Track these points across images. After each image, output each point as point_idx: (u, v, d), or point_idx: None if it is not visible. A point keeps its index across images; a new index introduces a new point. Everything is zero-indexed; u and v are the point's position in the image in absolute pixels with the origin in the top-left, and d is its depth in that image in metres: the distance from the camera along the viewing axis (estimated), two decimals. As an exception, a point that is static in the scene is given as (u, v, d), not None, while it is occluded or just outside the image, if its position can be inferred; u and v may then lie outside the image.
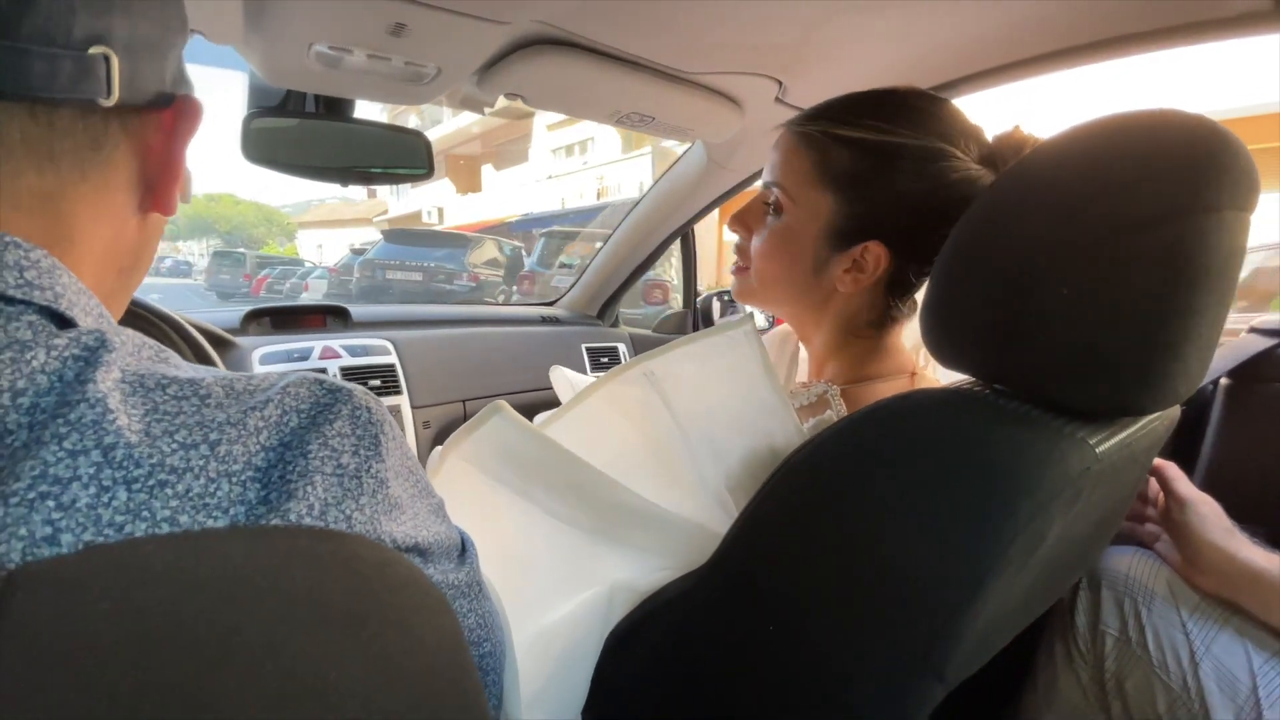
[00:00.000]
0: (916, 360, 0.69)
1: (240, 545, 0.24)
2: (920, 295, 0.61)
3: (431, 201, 22.60)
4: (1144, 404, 0.43)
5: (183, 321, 0.91)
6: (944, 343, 0.48)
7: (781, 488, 0.49)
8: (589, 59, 0.84)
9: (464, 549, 0.40)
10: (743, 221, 0.67)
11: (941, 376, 0.68)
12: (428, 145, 0.99)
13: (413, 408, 1.25)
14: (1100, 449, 0.42)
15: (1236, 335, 0.90)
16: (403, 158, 0.96)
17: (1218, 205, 0.39)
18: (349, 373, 1.19)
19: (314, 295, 11.34)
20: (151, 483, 0.25)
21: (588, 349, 1.62)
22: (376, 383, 1.22)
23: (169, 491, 0.25)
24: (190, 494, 0.25)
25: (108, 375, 0.26)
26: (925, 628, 0.43)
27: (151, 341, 0.31)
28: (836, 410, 0.61)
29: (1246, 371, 0.83)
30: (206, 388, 0.28)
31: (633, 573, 0.57)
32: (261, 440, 0.28)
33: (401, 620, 0.26)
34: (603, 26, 0.78)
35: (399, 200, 25.64)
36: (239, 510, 0.26)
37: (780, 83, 0.96)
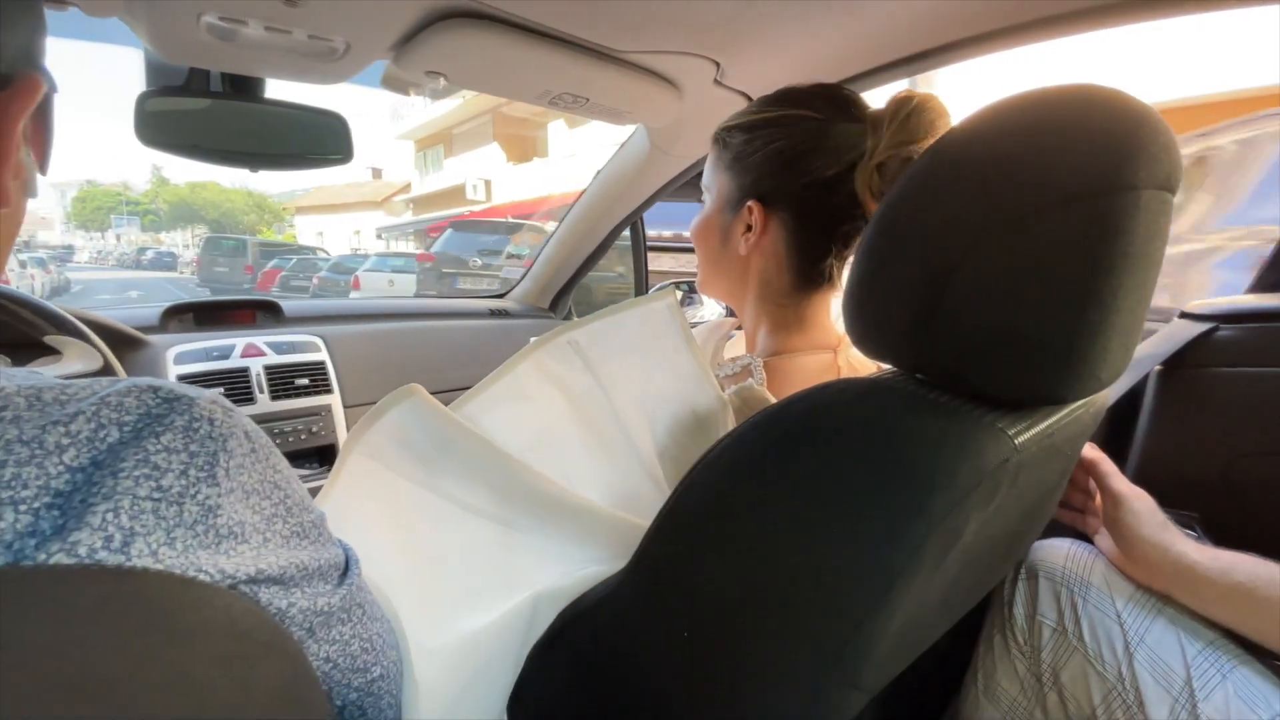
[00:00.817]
0: (842, 335, 0.72)
1: None
2: (844, 274, 0.65)
3: (476, 173, 17.92)
4: (1065, 391, 0.40)
5: (72, 319, 0.83)
6: (865, 332, 0.46)
7: (699, 482, 0.47)
8: (513, 35, 0.79)
9: (346, 568, 0.36)
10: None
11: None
12: (346, 127, 0.93)
13: (345, 407, 1.19)
14: (1020, 439, 0.40)
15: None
16: (319, 141, 0.90)
17: (1137, 183, 0.37)
18: (274, 371, 1.13)
19: (376, 292, 8.77)
20: None
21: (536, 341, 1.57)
22: (305, 381, 1.15)
23: None
24: None
25: None
26: (838, 630, 0.40)
27: None
28: (758, 379, 0.63)
29: (1178, 357, 0.83)
30: (5, 398, 0.24)
31: (555, 574, 0.54)
32: (65, 460, 0.24)
33: (197, 675, 0.22)
34: (522, -1, 0.74)
35: (428, 175, 21.34)
36: (27, 544, 0.22)
37: (718, 64, 0.92)
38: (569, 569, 0.55)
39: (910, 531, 0.37)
